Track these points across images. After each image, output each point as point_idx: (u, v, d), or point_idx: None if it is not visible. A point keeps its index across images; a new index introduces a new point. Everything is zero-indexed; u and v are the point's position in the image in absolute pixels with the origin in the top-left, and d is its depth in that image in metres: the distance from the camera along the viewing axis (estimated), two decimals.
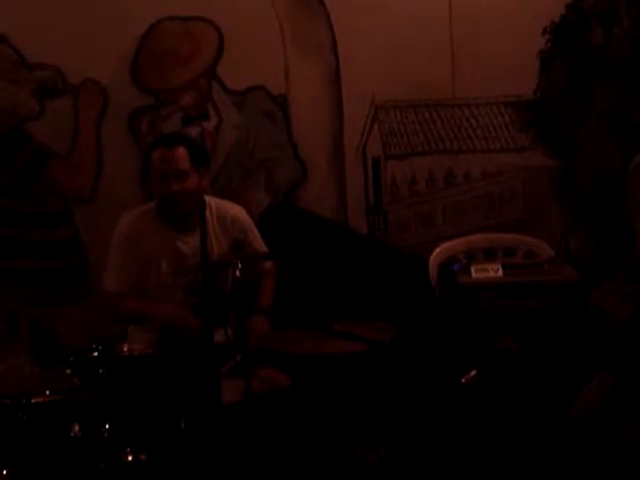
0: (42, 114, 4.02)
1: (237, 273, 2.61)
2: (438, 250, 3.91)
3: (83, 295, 4.15)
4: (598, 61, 4.09)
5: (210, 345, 2.43)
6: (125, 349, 2.62)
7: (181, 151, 3.16)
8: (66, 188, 4.09)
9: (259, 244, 3.37)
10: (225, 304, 2.56)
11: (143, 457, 2.53)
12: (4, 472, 2.55)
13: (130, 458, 2.53)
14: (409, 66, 4.11)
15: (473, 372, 2.30)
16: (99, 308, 3.89)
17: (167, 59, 4.04)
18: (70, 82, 4.00)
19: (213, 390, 2.44)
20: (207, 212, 3.30)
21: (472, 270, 3.54)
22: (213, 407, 2.46)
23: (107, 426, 2.51)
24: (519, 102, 4.19)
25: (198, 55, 4.05)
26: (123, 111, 4.05)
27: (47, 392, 2.66)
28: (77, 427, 2.57)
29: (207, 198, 3.34)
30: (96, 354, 2.55)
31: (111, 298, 3.28)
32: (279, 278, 3.51)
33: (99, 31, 3.96)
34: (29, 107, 4.00)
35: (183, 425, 2.55)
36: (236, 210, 3.40)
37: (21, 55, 3.97)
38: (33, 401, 2.55)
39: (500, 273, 3.51)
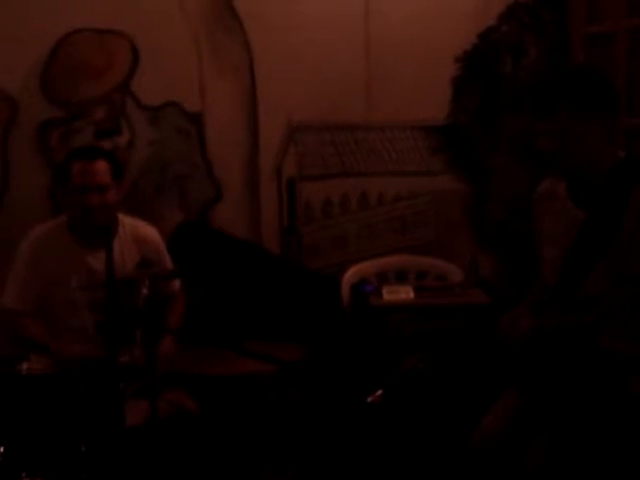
0: None
1: (145, 291, 2.55)
2: (350, 271, 3.94)
3: None
4: (507, 90, 4.21)
5: (114, 365, 2.36)
6: (24, 368, 2.52)
7: (102, 164, 3.09)
8: None
9: (170, 266, 3.32)
10: (131, 323, 2.48)
11: None
12: None
13: None
14: (325, 88, 4.14)
15: (379, 391, 2.31)
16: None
17: (80, 71, 3.94)
18: None
19: (116, 412, 2.37)
20: (120, 229, 3.24)
21: (384, 292, 3.57)
22: (115, 430, 2.38)
23: (1, 449, 2.40)
24: (432, 127, 4.26)
25: (112, 68, 3.97)
26: (33, 123, 3.94)
27: None
28: None
29: (120, 216, 3.27)
30: None
31: (10, 316, 3.16)
32: (189, 299, 3.46)
33: (10, 39, 3.84)
34: None
35: (83, 448, 2.46)
36: (149, 230, 3.34)
37: None
38: None
39: (411, 295, 3.55)
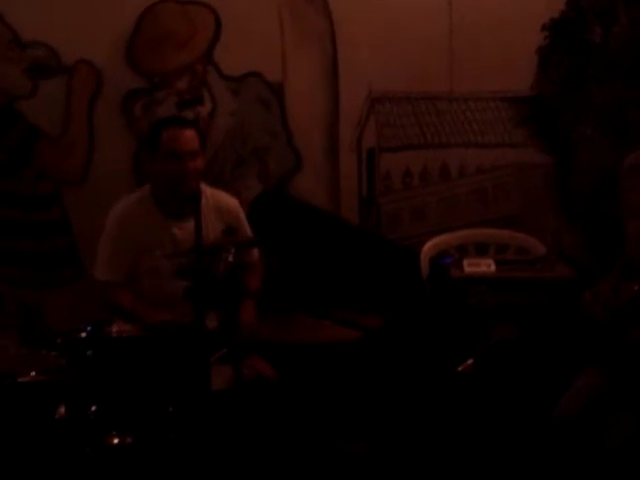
0: (34, 94, 3.96)
1: (230, 258, 2.58)
2: (430, 243, 3.90)
3: (71, 279, 4.11)
4: (596, 59, 4.08)
5: (202, 330, 2.40)
6: (114, 330, 2.58)
7: (192, 131, 3.14)
8: (56, 170, 4.04)
9: (250, 235, 3.35)
10: (218, 289, 2.52)
11: (129, 440, 2.50)
12: None
13: (116, 441, 2.49)
14: (407, 58, 4.09)
15: (470, 361, 2.29)
16: (87, 292, 3.86)
17: (163, 42, 3.98)
18: (64, 62, 3.94)
19: (203, 376, 2.41)
20: (202, 199, 3.26)
21: (464, 264, 3.53)
22: (202, 393, 2.42)
23: (93, 408, 2.48)
24: (516, 98, 4.17)
25: (194, 39, 4.00)
26: (117, 93, 4.00)
27: (33, 373, 2.64)
28: (63, 409, 2.55)
29: (202, 186, 3.30)
30: (84, 335, 2.51)
31: (103, 287, 3.23)
32: (268, 267, 3.49)
33: (95, 11, 3.90)
34: (22, 86, 3.94)
35: (170, 410, 2.52)
36: (230, 200, 3.37)
37: (15, 33, 3.90)
38: (19, 381, 2.53)
39: (493, 268, 3.50)
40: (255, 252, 3.42)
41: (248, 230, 3.36)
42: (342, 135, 4.16)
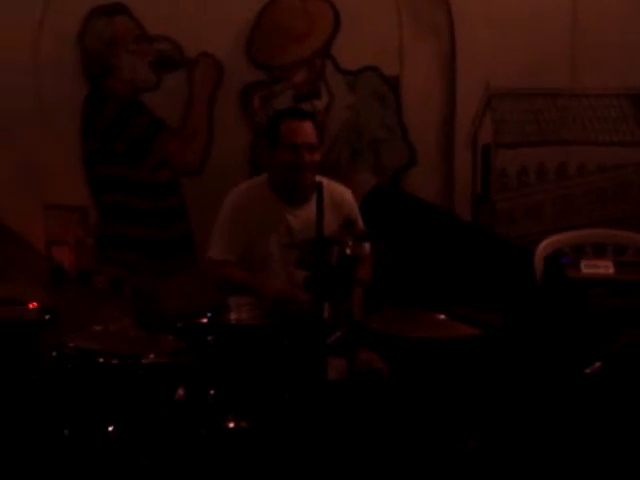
0: (158, 86, 4.08)
1: (348, 251, 2.61)
2: (545, 243, 3.82)
3: (185, 266, 4.22)
4: None
5: (320, 320, 2.43)
6: (233, 317, 2.65)
7: (310, 124, 3.20)
8: (176, 159, 4.16)
9: (362, 227, 3.37)
10: (336, 281, 2.55)
11: (244, 425, 2.56)
12: (110, 428, 2.63)
13: (231, 425, 2.56)
14: (527, 53, 4.02)
15: (597, 363, 2.24)
16: (200, 280, 3.96)
17: (283, 36, 4.04)
18: (187, 55, 4.05)
19: (319, 366, 2.44)
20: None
21: (582, 265, 3.45)
22: (317, 382, 2.45)
23: (212, 392, 2.55)
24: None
25: (313, 33, 4.04)
26: (236, 86, 4.08)
27: (152, 355, 2.73)
28: (182, 391, 2.63)
29: (317, 177, 3.34)
30: (205, 321, 2.58)
31: (216, 266, 3.31)
32: (380, 260, 3.50)
33: (218, 5, 3.99)
34: (146, 79, 4.07)
35: (286, 397, 2.56)
36: (345, 192, 3.42)
37: (142, 27, 4.03)
38: (143, 362, 2.62)
39: (611, 270, 3.41)
40: (367, 244, 3.44)
41: (360, 222, 3.38)
42: (457, 131, 4.12)
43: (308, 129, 3.19)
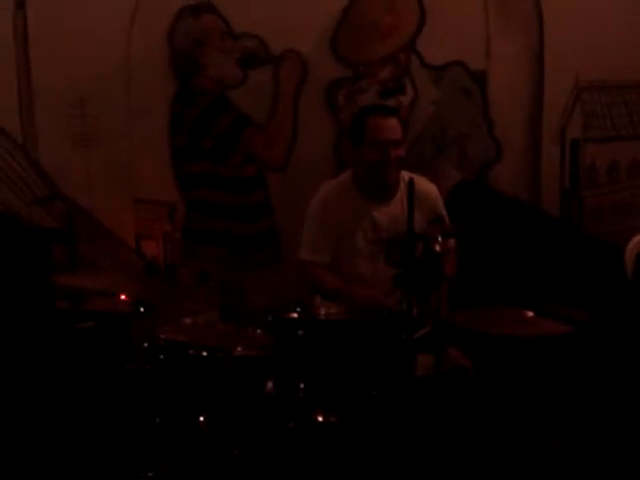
0: (244, 83, 4.14)
1: (437, 248, 2.60)
2: (636, 239, 3.72)
3: (271, 260, 4.27)
4: None
5: (409, 317, 2.44)
6: (323, 313, 2.67)
7: (395, 120, 3.22)
8: (261, 155, 4.21)
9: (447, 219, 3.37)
10: (425, 277, 2.55)
11: (333, 419, 2.58)
12: (201, 418, 2.69)
13: (320, 419, 2.59)
14: (618, 45, 3.93)
15: None
16: (285, 274, 4.01)
17: (368, 32, 4.04)
18: (272, 52, 4.09)
19: (407, 362, 2.44)
20: (402, 185, 3.34)
21: None
22: (405, 378, 2.46)
23: (301, 386, 2.58)
24: None
25: (398, 28, 4.03)
26: (321, 82, 4.10)
27: (239, 348, 2.78)
28: (271, 384, 2.67)
29: (402, 172, 3.36)
30: (295, 315, 2.61)
31: (306, 267, 3.36)
32: (465, 255, 3.48)
33: (303, 2, 4.02)
34: (233, 76, 4.13)
35: (375, 392, 2.57)
36: (430, 187, 3.42)
37: (228, 25, 4.09)
38: (234, 355, 2.66)
39: None
40: (452, 240, 3.42)
41: (445, 216, 3.37)
42: (545, 125, 4.06)
43: (393, 125, 3.21)
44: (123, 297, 3.58)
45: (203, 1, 4.07)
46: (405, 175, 3.36)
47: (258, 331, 2.90)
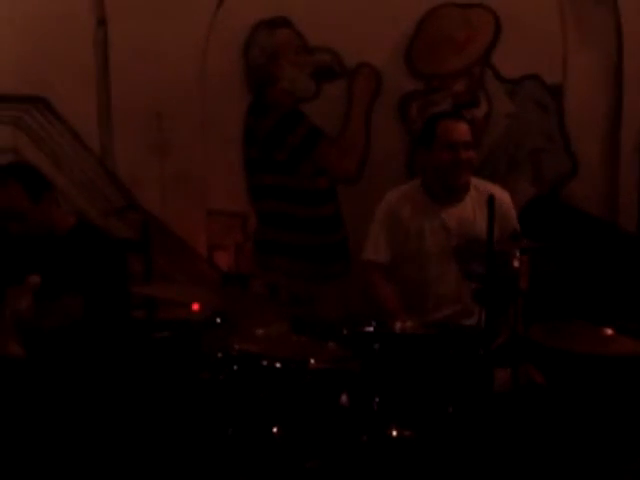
0: (317, 96, 4.17)
1: (515, 263, 2.58)
2: None
3: (340, 273, 4.28)
4: None
5: (486, 332, 2.41)
6: (398, 327, 2.67)
7: (466, 124, 3.28)
8: (333, 168, 4.23)
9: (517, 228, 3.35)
10: (504, 293, 2.52)
11: (407, 434, 2.57)
12: (274, 429, 2.70)
13: (394, 433, 2.57)
14: None
15: None
16: (355, 287, 4.01)
17: (442, 45, 4.04)
18: (346, 65, 4.11)
19: (485, 377, 2.42)
20: (472, 190, 3.36)
21: None
22: (483, 395, 2.43)
23: (377, 400, 2.57)
24: None
25: (473, 42, 4.01)
26: (395, 95, 4.11)
27: (312, 360, 2.78)
28: (345, 397, 2.67)
29: (473, 179, 3.39)
30: (371, 329, 2.61)
31: (366, 266, 3.41)
32: (540, 271, 3.42)
33: (378, 15, 4.03)
34: (306, 89, 4.17)
35: (450, 409, 2.55)
36: (502, 194, 3.41)
37: (303, 39, 4.13)
38: (309, 367, 2.67)
39: None
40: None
41: (517, 225, 3.37)
42: (624, 140, 3.98)
43: (463, 128, 3.26)
44: (196, 307, 3.64)
45: (278, 16, 4.12)
46: (477, 181, 3.37)
47: (330, 343, 2.90)
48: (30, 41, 4.38)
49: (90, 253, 3.08)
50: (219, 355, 2.91)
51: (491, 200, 2.29)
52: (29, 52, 4.40)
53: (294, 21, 4.13)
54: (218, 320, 3.09)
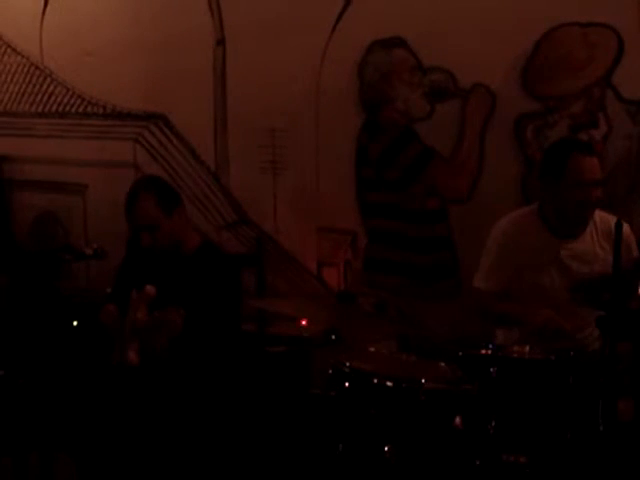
0: (431, 116, 4.16)
1: None
2: None
3: (450, 294, 4.25)
4: None
5: (611, 361, 2.35)
6: (515, 350, 2.63)
7: (596, 160, 3.18)
8: (445, 188, 4.20)
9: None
10: (628, 321, 2.46)
11: (522, 460, 2.53)
12: (385, 448, 2.70)
13: (510, 459, 2.54)
14: None
15: None
16: (466, 308, 3.97)
17: (560, 66, 3.95)
18: (461, 86, 4.09)
19: (609, 407, 2.36)
20: (591, 224, 3.25)
21: None
22: (608, 424, 2.37)
23: (493, 423, 2.54)
24: None
25: (593, 62, 3.92)
26: (509, 116, 4.05)
27: (423, 380, 2.77)
28: (459, 419, 2.65)
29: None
30: (489, 352, 2.58)
31: (480, 296, 3.34)
32: None
33: (494, 35, 3.99)
34: (420, 109, 4.17)
35: (569, 436, 2.50)
36: (623, 224, 3.28)
37: (418, 59, 4.14)
38: (424, 387, 2.66)
39: None
40: None
41: (638, 254, 3.26)
42: None
43: (596, 165, 3.15)
44: (304, 322, 3.68)
45: (394, 35, 4.15)
46: (597, 212, 3.28)
47: (442, 364, 2.89)
48: (153, 60, 4.58)
49: (213, 274, 3.15)
50: (330, 372, 2.93)
51: (618, 225, 2.24)
52: (152, 71, 4.59)
53: (409, 41, 4.14)
54: (333, 337, 3.11)
